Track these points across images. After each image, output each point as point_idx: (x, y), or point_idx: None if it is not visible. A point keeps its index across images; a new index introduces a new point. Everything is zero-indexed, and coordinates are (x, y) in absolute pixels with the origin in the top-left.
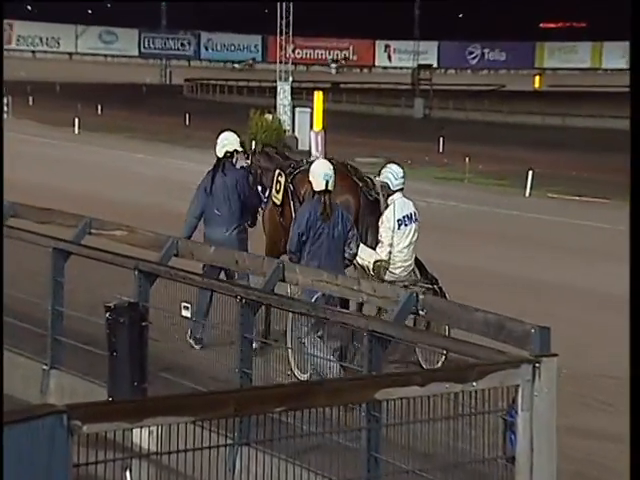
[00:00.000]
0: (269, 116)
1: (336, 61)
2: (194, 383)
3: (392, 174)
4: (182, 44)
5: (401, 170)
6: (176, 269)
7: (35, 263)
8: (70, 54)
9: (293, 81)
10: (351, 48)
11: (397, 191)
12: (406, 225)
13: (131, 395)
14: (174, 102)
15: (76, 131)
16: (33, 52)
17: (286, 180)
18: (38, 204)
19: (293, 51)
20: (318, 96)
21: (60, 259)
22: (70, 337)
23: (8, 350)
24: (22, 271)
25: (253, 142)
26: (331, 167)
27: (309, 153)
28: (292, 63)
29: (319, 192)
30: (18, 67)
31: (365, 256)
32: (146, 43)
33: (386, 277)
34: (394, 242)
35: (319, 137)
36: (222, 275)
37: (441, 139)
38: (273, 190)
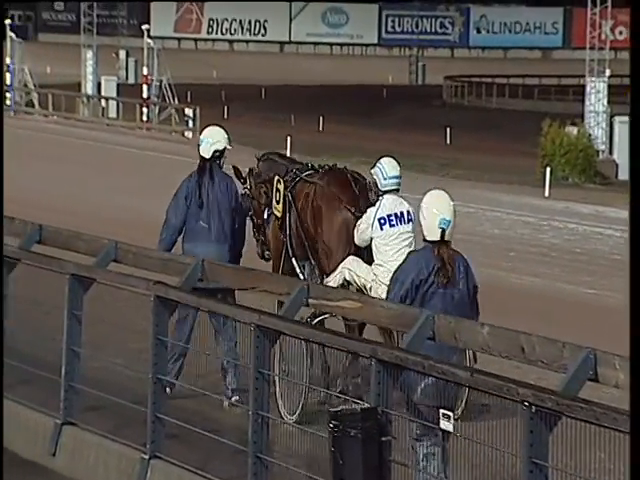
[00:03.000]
0: (573, 129)
1: None
2: None
3: (381, 172)
4: (442, 25)
5: (395, 168)
6: (424, 357)
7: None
8: (281, 44)
9: (611, 76)
10: None
11: (388, 192)
12: (393, 225)
13: None
14: (428, 111)
15: (287, 154)
16: (230, 42)
17: (285, 188)
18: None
19: (612, 30)
20: None
21: (265, 341)
22: (276, 455)
23: (190, 471)
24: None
25: (547, 169)
26: (451, 206)
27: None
28: (611, 48)
29: (432, 242)
30: (209, 64)
31: (361, 272)
32: (389, 24)
33: (382, 294)
34: (378, 245)
35: None
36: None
37: None
38: (274, 200)
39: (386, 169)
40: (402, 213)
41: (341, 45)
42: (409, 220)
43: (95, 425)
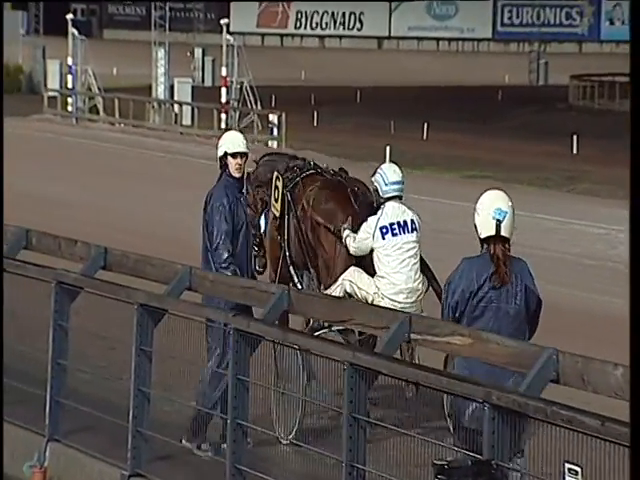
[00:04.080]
0: None
1: None
2: None
3: (382, 177)
4: (568, 15)
5: (396, 173)
6: (558, 405)
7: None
8: (379, 39)
9: None
10: None
11: (390, 199)
12: (395, 234)
13: None
14: (551, 116)
15: None
16: (320, 38)
17: (284, 186)
18: None
19: None
20: None
21: (360, 382)
22: None
23: None
24: None
25: None
26: (508, 200)
27: None
28: None
29: (486, 239)
30: (297, 63)
31: (362, 285)
32: (506, 16)
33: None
34: (380, 256)
35: None
36: None
37: None
38: (272, 199)
39: (387, 175)
40: (405, 222)
41: (449, 40)
42: (413, 229)
43: (167, 477)
